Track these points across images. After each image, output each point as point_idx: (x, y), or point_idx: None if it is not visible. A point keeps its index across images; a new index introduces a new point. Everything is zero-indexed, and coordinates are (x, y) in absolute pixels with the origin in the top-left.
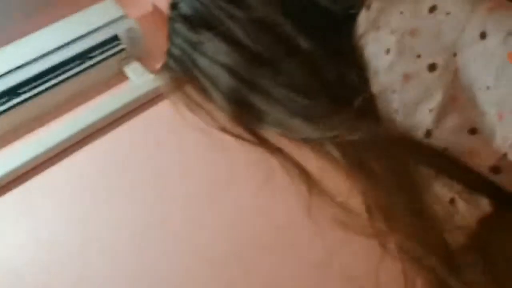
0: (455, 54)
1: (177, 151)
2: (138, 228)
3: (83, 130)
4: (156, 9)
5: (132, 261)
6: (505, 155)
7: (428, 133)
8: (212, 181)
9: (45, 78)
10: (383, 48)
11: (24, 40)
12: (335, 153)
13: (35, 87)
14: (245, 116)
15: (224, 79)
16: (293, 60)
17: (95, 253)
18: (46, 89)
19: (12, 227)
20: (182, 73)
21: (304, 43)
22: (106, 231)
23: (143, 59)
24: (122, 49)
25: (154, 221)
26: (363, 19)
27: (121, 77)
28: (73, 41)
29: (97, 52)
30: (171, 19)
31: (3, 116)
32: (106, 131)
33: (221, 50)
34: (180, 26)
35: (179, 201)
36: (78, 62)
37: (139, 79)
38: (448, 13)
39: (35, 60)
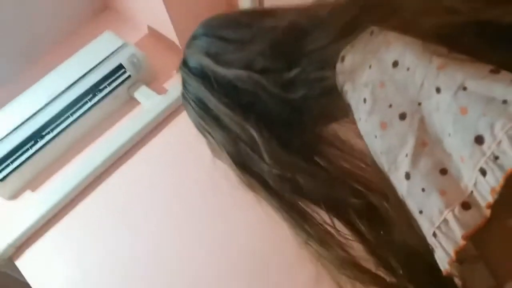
0: (419, 104)
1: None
2: (173, 248)
3: (107, 160)
4: (151, 31)
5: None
6: (472, 192)
7: (407, 175)
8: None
9: (63, 117)
10: (361, 98)
11: (36, 85)
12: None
13: (56, 127)
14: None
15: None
16: (268, 169)
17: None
18: (66, 127)
19: (58, 262)
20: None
21: (270, 155)
22: (142, 252)
23: (149, 81)
24: (129, 76)
25: (191, 240)
26: (340, 70)
27: (132, 102)
28: (81, 78)
29: (105, 83)
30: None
31: (32, 159)
32: (128, 156)
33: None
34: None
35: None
36: (90, 96)
37: (149, 102)
38: (408, 69)
39: (51, 102)
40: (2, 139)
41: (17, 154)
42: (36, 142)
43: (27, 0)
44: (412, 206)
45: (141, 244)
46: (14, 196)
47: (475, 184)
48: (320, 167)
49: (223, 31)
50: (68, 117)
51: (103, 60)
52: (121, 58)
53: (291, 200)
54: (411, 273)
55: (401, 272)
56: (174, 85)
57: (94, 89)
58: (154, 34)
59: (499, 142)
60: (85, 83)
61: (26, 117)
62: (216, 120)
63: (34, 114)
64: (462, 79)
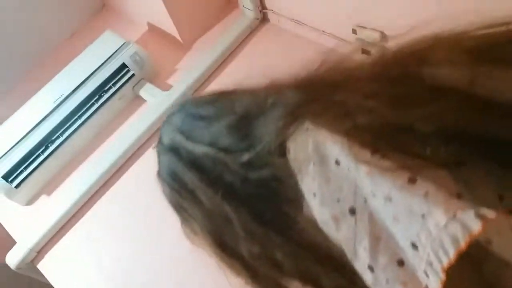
0: (365, 201)
1: None
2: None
3: (118, 159)
4: (150, 27)
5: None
6: (426, 286)
7: (371, 268)
8: None
9: (72, 121)
10: (310, 191)
11: (43, 90)
12: None
13: (65, 130)
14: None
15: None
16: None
17: (158, 274)
18: (75, 130)
19: (79, 262)
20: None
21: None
22: (162, 248)
23: (153, 78)
24: (132, 75)
25: None
26: (290, 161)
27: (138, 101)
28: (86, 80)
29: (110, 84)
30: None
31: (45, 164)
32: (139, 154)
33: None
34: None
35: None
36: (96, 98)
37: (155, 99)
38: (348, 168)
39: (58, 106)
40: (14, 146)
41: (29, 161)
42: (47, 147)
43: (23, 6)
44: None
45: (160, 241)
46: (30, 201)
47: (426, 273)
48: (294, 240)
49: (194, 109)
50: (76, 120)
51: (106, 61)
52: (123, 57)
53: (268, 278)
54: None
55: None
56: (178, 81)
57: (99, 90)
58: (153, 30)
59: (428, 254)
60: (90, 85)
61: (35, 123)
62: (191, 194)
63: (43, 119)
64: (388, 190)
